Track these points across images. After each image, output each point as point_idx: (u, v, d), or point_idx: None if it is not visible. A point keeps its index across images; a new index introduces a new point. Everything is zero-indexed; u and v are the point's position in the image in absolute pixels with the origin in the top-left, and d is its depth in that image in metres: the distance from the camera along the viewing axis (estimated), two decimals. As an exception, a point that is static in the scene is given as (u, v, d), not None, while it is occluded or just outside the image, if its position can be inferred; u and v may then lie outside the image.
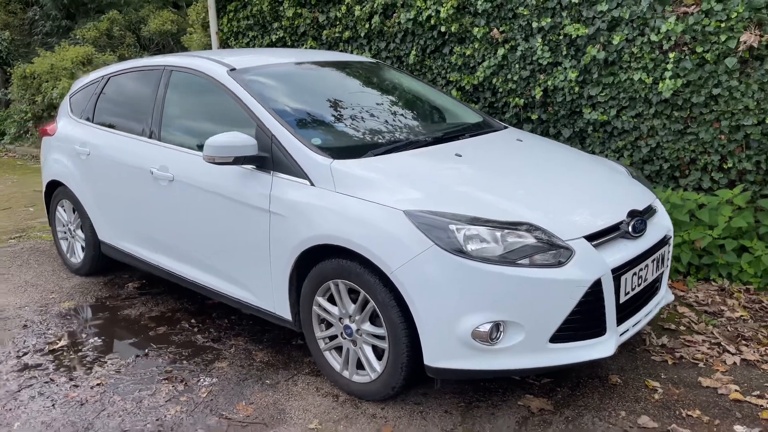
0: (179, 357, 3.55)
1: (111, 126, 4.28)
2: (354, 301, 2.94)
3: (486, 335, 2.60)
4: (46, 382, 3.34)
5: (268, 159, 3.20)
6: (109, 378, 3.36)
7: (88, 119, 4.50)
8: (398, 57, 5.98)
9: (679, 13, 4.44)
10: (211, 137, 3.17)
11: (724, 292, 4.14)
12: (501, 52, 5.29)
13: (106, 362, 3.53)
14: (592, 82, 4.91)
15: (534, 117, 5.25)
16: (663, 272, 3.17)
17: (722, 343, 3.45)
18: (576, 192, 3.06)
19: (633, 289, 2.86)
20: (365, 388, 2.98)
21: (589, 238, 2.73)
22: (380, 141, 3.38)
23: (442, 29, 5.56)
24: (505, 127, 3.96)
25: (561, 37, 4.99)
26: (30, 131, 11.16)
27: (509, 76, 5.31)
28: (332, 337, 3.12)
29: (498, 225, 2.65)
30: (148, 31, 11.11)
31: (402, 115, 3.81)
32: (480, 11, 5.35)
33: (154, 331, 3.89)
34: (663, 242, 3.10)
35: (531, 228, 2.66)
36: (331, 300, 3.05)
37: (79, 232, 4.73)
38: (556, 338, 2.65)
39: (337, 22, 6.35)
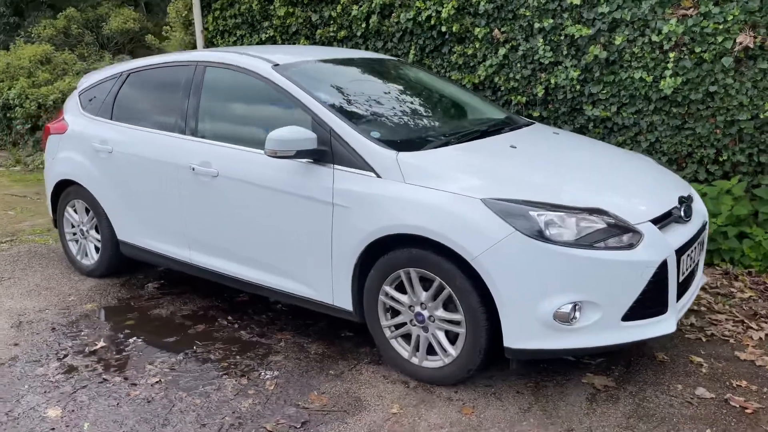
0: (230, 353, 3.55)
1: (135, 122, 4.20)
2: (425, 289, 3.03)
3: (566, 315, 2.75)
4: (100, 383, 3.28)
5: (328, 152, 3.26)
6: (166, 376, 3.33)
7: (106, 116, 4.40)
8: (396, 56, 6.09)
9: (679, 15, 4.74)
10: (273, 131, 3.20)
11: (729, 276, 4.45)
12: (502, 51, 5.49)
13: (155, 361, 3.49)
14: (593, 81, 5.16)
15: (536, 114, 5.46)
16: (702, 255, 3.41)
17: (745, 321, 3.73)
18: (629, 180, 3.25)
19: (687, 270, 3.08)
20: (437, 373, 3.08)
21: (654, 222, 2.92)
22: (432, 134, 3.49)
23: (443, 29, 5.71)
24: (533, 122, 4.14)
25: (562, 38, 5.22)
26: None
27: (511, 75, 5.51)
28: (398, 326, 3.20)
29: (573, 211, 2.81)
30: (109, 29, 10.78)
31: (441, 109, 3.93)
32: (480, 12, 5.53)
33: (194, 329, 3.86)
34: (703, 227, 3.34)
35: (603, 213, 2.83)
36: (399, 288, 3.13)
37: (93, 232, 4.62)
38: (626, 317, 2.82)
39: (331, 22, 6.40)
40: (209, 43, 7.24)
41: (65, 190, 4.71)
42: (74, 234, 4.78)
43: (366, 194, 3.10)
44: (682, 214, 3.10)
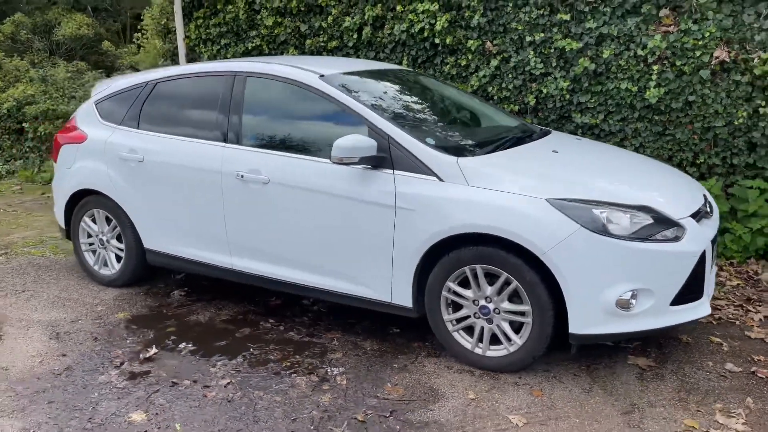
0: (287, 353, 3.68)
1: (168, 131, 4.25)
2: (490, 284, 3.29)
3: (626, 302, 3.07)
4: (171, 386, 3.35)
5: (387, 158, 3.46)
6: (234, 377, 3.43)
7: (132, 125, 4.41)
8: (389, 66, 6.33)
9: (661, 31, 5.23)
10: (339, 140, 3.38)
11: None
12: (494, 63, 5.83)
13: (215, 364, 3.57)
14: (581, 90, 5.58)
15: (527, 121, 5.83)
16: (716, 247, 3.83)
17: (744, 305, 4.20)
18: (662, 181, 3.64)
19: (713, 260, 3.48)
20: (502, 361, 3.34)
21: (692, 216, 3.30)
22: (475, 140, 3.76)
23: (436, 41, 6.00)
24: (549, 130, 4.48)
25: (552, 51, 5.61)
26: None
27: (503, 85, 5.86)
28: (460, 319, 3.43)
29: (627, 208, 3.14)
30: (62, 35, 10.43)
31: (471, 117, 4.21)
32: (473, 26, 5.86)
33: (240, 333, 3.96)
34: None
35: (650, 210, 3.18)
36: (461, 284, 3.37)
37: (114, 242, 4.60)
38: (673, 302, 3.18)
39: (321, 32, 6.57)
40: (191, 52, 7.23)
41: (82, 200, 4.67)
42: (91, 244, 4.74)
43: (431, 197, 3.32)
44: (708, 209, 3.50)
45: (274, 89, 3.96)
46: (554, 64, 5.62)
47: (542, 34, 5.59)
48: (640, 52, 5.27)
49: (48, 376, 3.48)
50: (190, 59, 7.24)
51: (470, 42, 5.88)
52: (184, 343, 3.83)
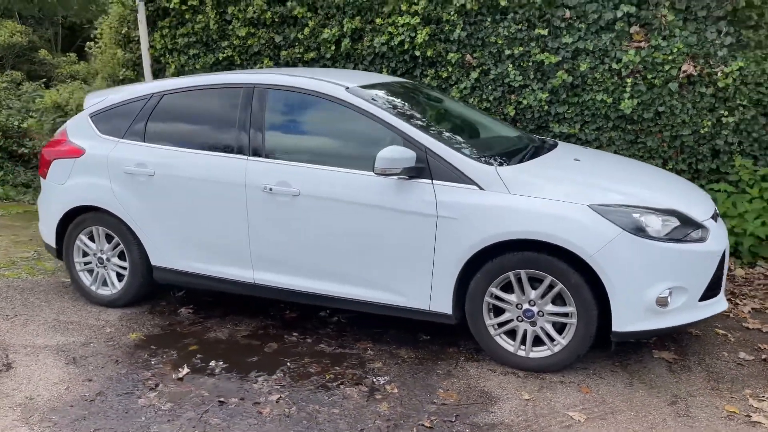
0: (326, 366, 3.67)
1: (180, 145, 4.14)
2: (533, 288, 3.43)
3: (665, 300, 3.29)
4: (220, 405, 3.27)
5: (425, 169, 3.54)
6: (281, 392, 3.39)
7: (136, 138, 4.26)
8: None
9: (634, 47, 5.59)
10: (381, 152, 3.44)
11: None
12: (474, 75, 6.03)
13: (256, 380, 3.52)
14: (558, 102, 5.87)
15: (508, 131, 6.06)
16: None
17: (731, 299, 4.55)
18: (674, 187, 3.90)
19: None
20: (545, 362, 3.49)
21: (711, 219, 3.58)
22: (502, 151, 3.90)
23: (417, 53, 6.13)
24: (554, 140, 4.69)
25: (530, 64, 5.88)
26: None
27: (483, 96, 6.07)
28: (501, 323, 3.55)
29: (658, 211, 3.37)
30: (-7, 43, 9.79)
31: (485, 129, 4.35)
32: (452, 39, 6.04)
33: (268, 348, 3.91)
34: (719, 223, 4.08)
35: (678, 213, 3.42)
36: (504, 289, 3.50)
37: (115, 260, 4.42)
38: (701, 298, 3.44)
39: (296, 43, 6.56)
40: (156, 62, 7.02)
41: (78, 217, 4.45)
42: (86, 264, 4.52)
43: (474, 205, 3.43)
44: (717, 212, 3.80)
45: (298, 102, 3.95)
46: (532, 77, 5.88)
47: (521, 48, 5.84)
48: (614, 65, 5.61)
49: (81, 402, 3.31)
50: (156, 70, 7.02)
51: (450, 54, 6.05)
52: (213, 361, 3.73)
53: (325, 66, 6.53)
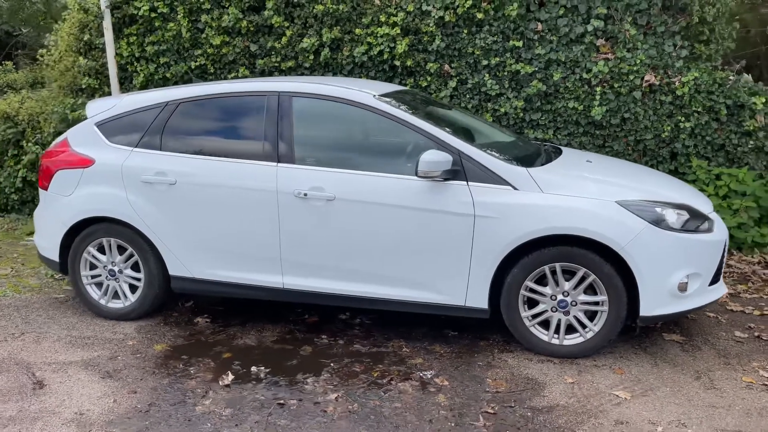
0: (369, 365, 3.77)
1: (201, 153, 4.12)
2: (566, 279, 3.69)
3: (685, 285, 3.64)
4: (280, 407, 3.31)
5: (460, 171, 3.74)
6: (336, 391, 3.46)
7: (152, 147, 4.20)
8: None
9: (601, 58, 6.05)
10: (424, 155, 3.62)
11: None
12: (452, 84, 6.30)
13: (306, 381, 3.57)
14: (533, 109, 6.24)
15: (485, 138, 6.36)
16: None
17: (709, 286, 5.01)
18: (674, 184, 4.28)
19: (723, 247, 4.20)
20: (579, 347, 3.75)
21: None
22: (524, 154, 4.15)
23: (396, 63, 6.33)
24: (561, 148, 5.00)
25: (506, 73, 6.21)
26: None
27: (462, 104, 6.34)
28: (535, 315, 3.79)
29: (673, 206, 3.72)
30: None
31: (493, 134, 4.60)
32: (430, 50, 6.29)
33: (303, 351, 3.96)
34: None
35: (688, 207, 3.79)
36: (538, 282, 3.74)
37: (129, 271, 4.32)
38: (711, 283, 3.82)
39: (273, 52, 6.59)
40: (122, 70, 6.83)
41: (86, 229, 4.32)
42: (94, 277, 4.39)
43: (510, 204, 3.66)
44: (716, 208, 4.22)
45: (325, 108, 4.04)
46: (507, 86, 6.21)
47: (497, 59, 6.16)
48: (585, 75, 6.03)
49: (136, 414, 3.25)
50: (122, 78, 6.83)
51: (429, 64, 6.28)
52: (254, 367, 3.74)
53: (303, 74, 6.59)
